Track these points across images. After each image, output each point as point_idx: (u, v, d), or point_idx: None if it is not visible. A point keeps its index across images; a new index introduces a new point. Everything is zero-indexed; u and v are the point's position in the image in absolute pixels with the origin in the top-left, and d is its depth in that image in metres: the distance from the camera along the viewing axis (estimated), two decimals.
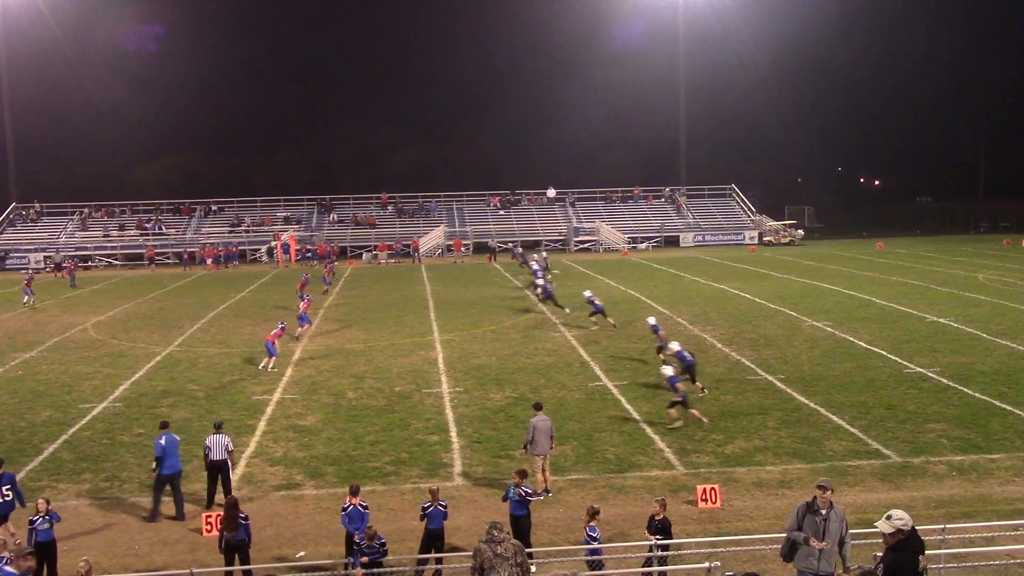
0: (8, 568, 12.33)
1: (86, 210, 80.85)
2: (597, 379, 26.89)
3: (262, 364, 29.53)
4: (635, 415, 22.90)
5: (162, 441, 17.61)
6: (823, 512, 11.82)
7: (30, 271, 54.58)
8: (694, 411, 21.95)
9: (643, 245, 74.41)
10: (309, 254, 68.97)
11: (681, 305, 40.51)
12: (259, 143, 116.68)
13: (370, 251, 71.08)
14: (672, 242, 76.06)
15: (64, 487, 18.67)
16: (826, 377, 26.37)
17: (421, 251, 69.66)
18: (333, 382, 27.25)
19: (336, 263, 61.97)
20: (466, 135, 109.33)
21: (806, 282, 48.00)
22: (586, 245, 74.34)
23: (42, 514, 14.58)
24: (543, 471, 17.83)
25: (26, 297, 45.83)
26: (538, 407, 18.63)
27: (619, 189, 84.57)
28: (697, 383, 24.63)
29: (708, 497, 16.88)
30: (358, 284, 53.63)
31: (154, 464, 17.60)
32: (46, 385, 27.81)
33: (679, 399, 21.84)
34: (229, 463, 18.10)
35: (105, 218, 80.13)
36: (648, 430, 21.60)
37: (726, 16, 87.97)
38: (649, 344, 31.74)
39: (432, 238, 73.53)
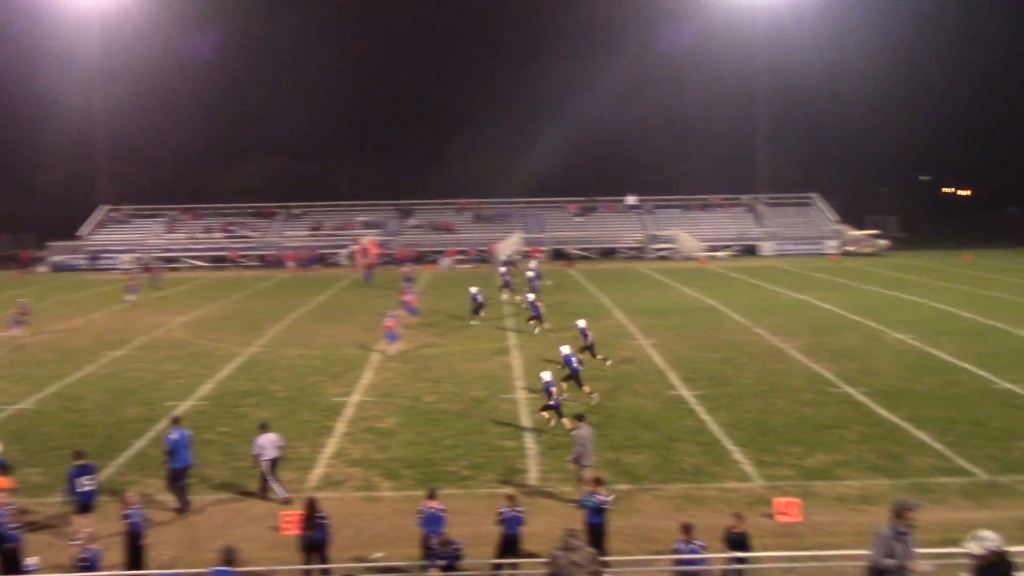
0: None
1: (174, 213, 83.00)
2: (674, 388, 26.66)
3: (386, 350, 31.87)
4: (713, 425, 22.65)
5: (173, 436, 18.19)
6: (907, 534, 11.45)
7: (134, 271, 56.57)
8: (565, 420, 21.98)
9: (721, 254, 73.57)
10: (387, 259, 69.74)
11: (760, 315, 39.96)
12: (340, 148, 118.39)
13: (450, 256, 71.54)
14: (750, 251, 75.06)
15: (150, 482, 19.16)
16: (910, 391, 25.77)
17: (498, 256, 69.83)
18: (410, 386, 27.49)
19: (414, 268, 62.53)
20: (546, 141, 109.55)
21: (889, 293, 46.95)
22: (663, 253, 73.79)
23: (135, 506, 14.98)
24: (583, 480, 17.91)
25: (130, 296, 47.94)
26: (580, 418, 18.72)
27: (697, 197, 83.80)
28: (585, 387, 25.14)
29: (787, 511, 16.62)
30: (435, 289, 53.99)
31: (165, 457, 18.22)
32: (134, 383, 28.59)
33: (551, 403, 22.24)
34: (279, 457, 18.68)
35: (191, 221, 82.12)
36: (726, 441, 21.34)
37: (807, 20, 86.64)
38: (730, 354, 31.42)
39: (509, 244, 73.71)
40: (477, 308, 40.28)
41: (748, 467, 19.58)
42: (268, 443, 18.43)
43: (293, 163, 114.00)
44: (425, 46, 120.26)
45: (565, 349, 26.32)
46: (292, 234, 78.65)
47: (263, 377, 29.05)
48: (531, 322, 36.88)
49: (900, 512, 11.45)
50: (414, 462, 20.23)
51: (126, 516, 14.83)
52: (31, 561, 14.31)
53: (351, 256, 71.52)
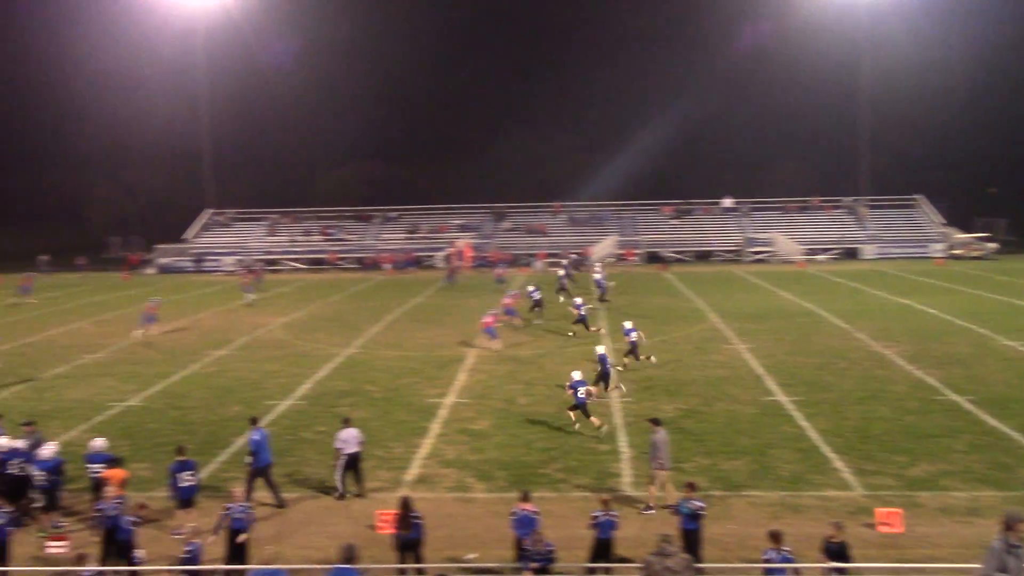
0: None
1: (274, 216, 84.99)
2: (771, 393, 26.18)
3: (489, 345, 33.47)
4: (811, 432, 22.16)
5: (256, 436, 18.63)
6: (1020, 547, 10.99)
7: (244, 272, 58.52)
8: (593, 418, 22.44)
9: (821, 257, 71.98)
10: (482, 261, 70.13)
11: (860, 319, 38.95)
12: (436, 152, 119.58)
13: (541, 259, 71.64)
14: (852, 254, 73.20)
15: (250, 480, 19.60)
16: (1021, 400, 24.79)
17: (591, 259, 69.59)
18: (504, 388, 27.58)
19: (506, 271, 62.82)
20: (640, 143, 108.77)
21: (999, 299, 45.27)
22: (761, 256, 72.55)
23: (239, 503, 15.34)
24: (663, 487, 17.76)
25: (248, 294, 49.84)
26: (657, 422, 18.53)
27: (796, 199, 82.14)
28: (610, 389, 26.14)
29: (889, 521, 16.15)
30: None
31: (249, 458, 18.62)
32: (236, 382, 29.35)
33: (577, 402, 22.55)
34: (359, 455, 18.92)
35: (291, 224, 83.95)
36: (825, 448, 20.86)
37: (911, 16, 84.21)
38: (829, 359, 30.76)
39: (603, 247, 73.44)
40: (535, 305, 41.10)
41: (848, 475, 19.10)
42: (349, 438, 18.75)
43: (390, 167, 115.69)
44: (521, 49, 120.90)
45: (600, 349, 27.39)
46: (389, 237, 79.75)
47: (360, 378, 29.51)
48: (576, 325, 36.91)
49: (1011, 524, 11.02)
50: (507, 464, 20.29)
51: (228, 510, 15.21)
52: (137, 554, 14.79)
53: (447, 259, 72.18)
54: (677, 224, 79.61)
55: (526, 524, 14.59)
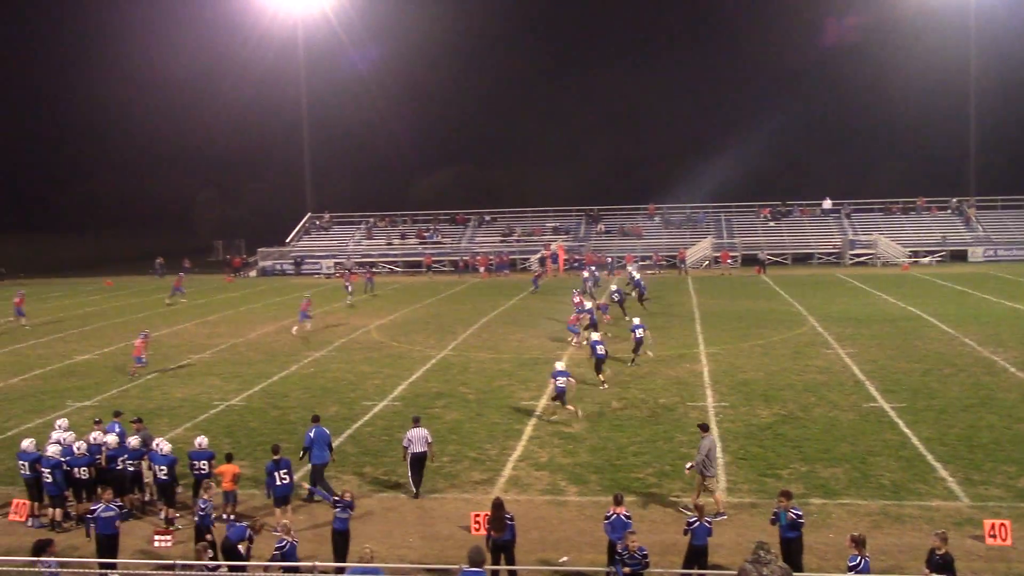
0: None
1: (371, 220, 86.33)
2: (873, 399, 25.51)
3: (574, 341, 34.83)
4: (915, 440, 21.52)
5: (311, 433, 18.99)
6: None
7: (347, 272, 60.21)
8: (570, 406, 24.14)
9: (926, 259, 69.85)
10: (576, 264, 70.01)
11: (969, 324, 37.67)
12: (531, 155, 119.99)
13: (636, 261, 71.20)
14: (959, 256, 70.78)
15: (348, 478, 19.96)
16: None
17: (688, 262, 68.94)
18: (596, 391, 27.48)
19: (599, 273, 62.60)
20: (736, 144, 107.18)
21: None
22: (863, 259, 70.75)
23: (346, 500, 15.62)
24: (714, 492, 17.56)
25: (349, 298, 51.19)
26: (704, 428, 18.45)
27: (899, 200, 79.83)
28: (600, 376, 28.16)
29: (997, 533, 15.57)
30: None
31: (301, 453, 19.10)
32: (334, 382, 29.91)
33: (557, 390, 24.08)
34: (429, 454, 19.02)
35: (388, 227, 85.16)
36: (929, 457, 20.23)
37: (1020, 12, 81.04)
38: (934, 364, 29.86)
39: (699, 249, 72.61)
40: (620, 301, 42.56)
41: (954, 485, 18.48)
42: (416, 437, 18.94)
43: (485, 171, 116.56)
44: (613, 51, 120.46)
45: (595, 336, 29.82)
46: (483, 240, 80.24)
47: (454, 380, 29.77)
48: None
49: None
50: (600, 468, 20.22)
51: (336, 505, 15.58)
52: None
53: (541, 261, 72.30)
54: (775, 226, 78.20)
55: (619, 528, 14.51)
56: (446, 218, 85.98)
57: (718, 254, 71.36)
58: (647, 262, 69.24)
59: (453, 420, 24.46)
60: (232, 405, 27.10)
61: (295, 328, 40.39)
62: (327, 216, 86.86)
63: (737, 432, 22.56)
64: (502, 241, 79.28)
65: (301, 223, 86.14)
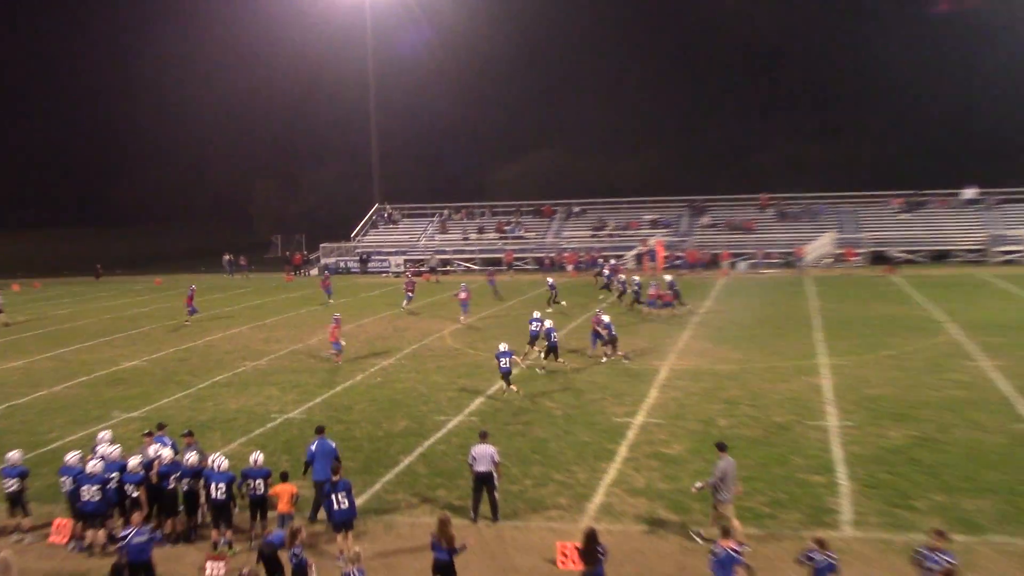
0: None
1: (445, 212, 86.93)
2: None
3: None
4: None
5: (312, 447, 19.18)
6: None
7: (409, 275, 59.61)
8: (513, 386, 28.92)
9: None
10: (678, 261, 69.50)
11: None
12: (624, 140, 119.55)
13: (744, 259, 70.37)
14: None
15: (417, 503, 20.05)
16: None
17: (806, 260, 67.83)
18: (702, 407, 27.20)
19: (707, 272, 62.15)
20: (860, 126, 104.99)
21: None
22: (1011, 256, 68.71)
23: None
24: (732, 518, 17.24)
25: (405, 301, 50.69)
26: (722, 447, 18.14)
27: None
28: (561, 359, 33.08)
29: None
30: (732, 297, 53.23)
31: (304, 469, 19.32)
32: (403, 394, 30.14)
33: (502, 369, 28.82)
34: (495, 476, 18.87)
35: (464, 220, 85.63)
36: None
37: None
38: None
39: (819, 245, 71.36)
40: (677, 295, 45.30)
41: None
42: (482, 455, 18.80)
43: (574, 157, 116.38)
44: (720, 24, 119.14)
45: (548, 323, 33.84)
46: (572, 234, 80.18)
47: (538, 392, 29.72)
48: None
49: None
50: (705, 495, 19.91)
51: (433, 547, 15.42)
52: None
53: (638, 259, 71.92)
54: (907, 219, 76.42)
55: (727, 564, 14.26)
56: (529, 210, 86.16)
57: (841, 251, 70.07)
58: (749, 259, 68.41)
59: (537, 438, 24.42)
60: (291, 418, 27.50)
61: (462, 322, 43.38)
62: (389, 209, 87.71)
63: (864, 456, 22.07)
64: (593, 236, 79.10)
65: (367, 216, 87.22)
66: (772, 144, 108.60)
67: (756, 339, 38.10)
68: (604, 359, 34.29)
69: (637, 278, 50.52)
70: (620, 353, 34.33)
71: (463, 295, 45.42)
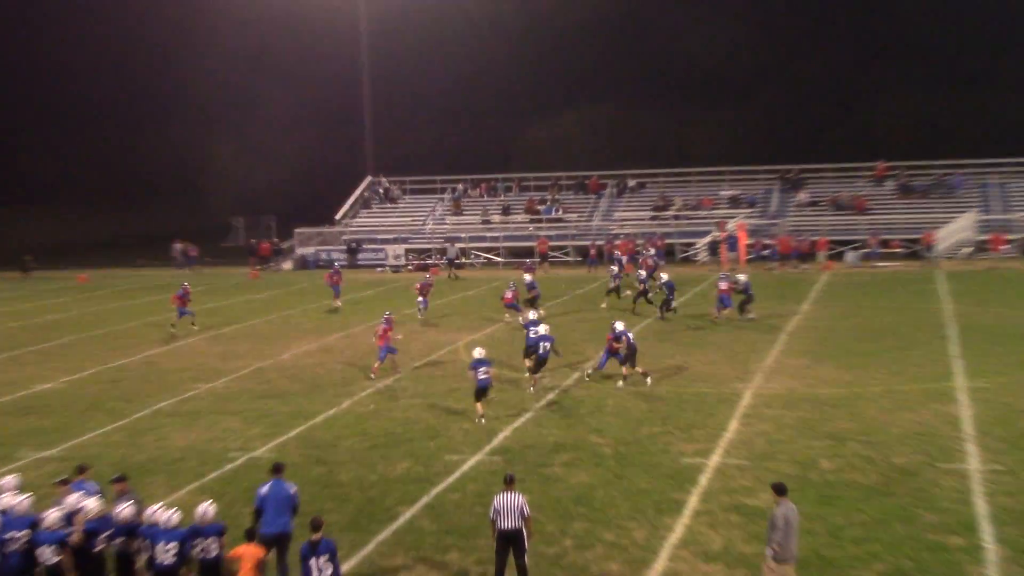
0: None
1: (460, 186, 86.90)
2: None
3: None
4: None
5: (263, 490, 18.96)
6: None
7: (428, 275, 58.03)
8: (479, 404, 29.91)
9: None
10: (766, 251, 69.16)
11: None
12: (695, 93, 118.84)
13: (854, 248, 70.00)
14: None
15: (422, 570, 19.98)
16: None
17: (938, 250, 67.40)
18: (798, 444, 27.03)
19: (806, 266, 61.85)
20: (1010, 73, 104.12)
21: None
22: None
23: None
24: None
25: (420, 308, 49.65)
26: (781, 490, 17.99)
27: None
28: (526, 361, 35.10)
29: None
30: (838, 297, 52.96)
31: (253, 518, 19.05)
32: (404, 426, 30.09)
33: (479, 383, 29.91)
34: (525, 534, 18.59)
35: (484, 197, 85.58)
36: None
37: None
38: None
39: (955, 230, 70.93)
40: (744, 304, 46.08)
41: None
42: (507, 507, 18.54)
43: (629, 114, 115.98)
44: None
45: (542, 328, 34.82)
46: (627, 215, 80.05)
47: (582, 423, 29.64)
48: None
49: None
50: (805, 560, 19.79)
51: None
52: None
53: (713, 247, 71.67)
54: None
55: None
56: (570, 183, 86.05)
57: (985, 237, 69.65)
58: (860, 249, 68.10)
59: (580, 485, 24.29)
60: (256, 458, 27.46)
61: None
62: (385, 183, 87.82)
63: (1017, 511, 21.86)
64: (654, 218, 78.94)
65: (357, 192, 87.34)
66: (891, 98, 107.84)
67: (870, 354, 37.96)
68: (620, 383, 34.26)
69: (643, 272, 52.24)
70: (639, 370, 34.39)
71: (509, 295, 47.18)
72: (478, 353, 30.38)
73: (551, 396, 32.93)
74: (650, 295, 49.29)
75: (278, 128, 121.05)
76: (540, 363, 34.12)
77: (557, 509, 22.59)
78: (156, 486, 24.94)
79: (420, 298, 49.66)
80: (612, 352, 34.50)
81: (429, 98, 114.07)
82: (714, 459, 26.02)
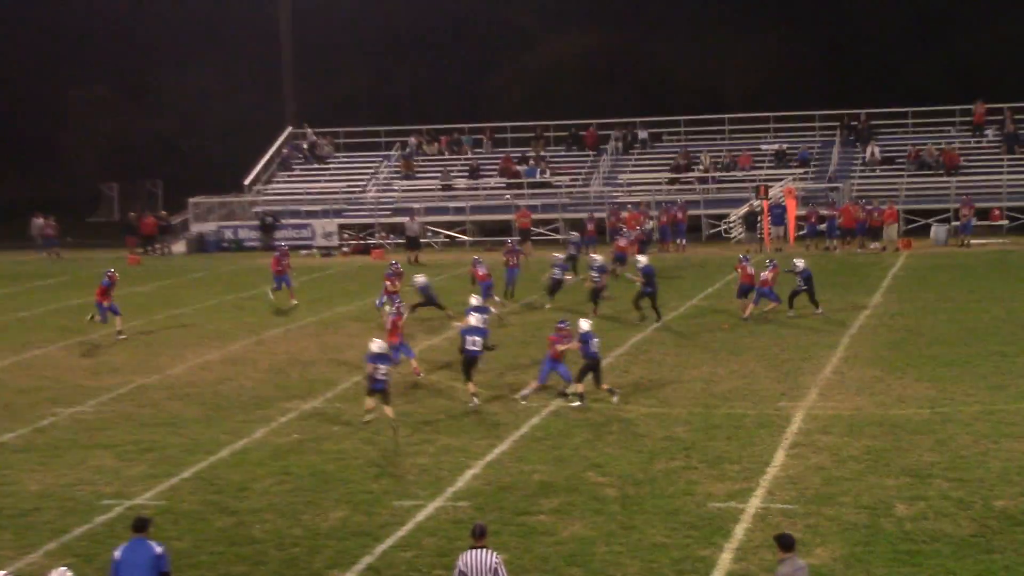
0: None
1: (412, 140, 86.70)
2: None
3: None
4: None
5: (117, 554, 18.67)
6: None
7: (394, 264, 56.26)
8: (388, 408, 31.94)
9: None
10: (823, 225, 69.12)
11: None
12: (726, 16, 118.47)
13: (945, 221, 70.15)
14: None
15: None
16: None
17: None
18: (866, 482, 27.14)
19: (874, 244, 62.10)
20: None
21: None
22: None
23: None
24: None
25: (384, 305, 48.76)
26: (787, 544, 18.21)
27: None
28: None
29: None
30: (921, 287, 53.15)
31: None
32: (339, 461, 30.11)
33: (376, 383, 31.84)
34: None
35: (445, 155, 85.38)
36: None
37: None
38: None
39: None
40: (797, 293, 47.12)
41: None
42: (476, 569, 18.59)
43: (635, 44, 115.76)
44: None
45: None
46: (636, 177, 79.98)
47: (577, 457, 29.68)
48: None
49: None
50: None
51: None
52: None
53: (751, 221, 71.69)
54: None
55: None
56: (560, 136, 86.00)
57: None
58: (953, 222, 68.30)
59: (575, 538, 24.33)
60: (139, 506, 27.40)
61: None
62: (312, 136, 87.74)
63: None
64: (672, 182, 78.93)
65: (273, 149, 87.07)
66: (991, 19, 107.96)
67: (964, 363, 38.20)
68: (577, 402, 34.69)
69: (599, 257, 52.87)
70: (604, 387, 34.93)
71: (482, 271, 47.50)
72: (376, 346, 32.16)
73: (535, 420, 33.01)
74: (605, 292, 49.51)
75: (165, 63, 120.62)
76: (469, 364, 35.01)
77: (544, 572, 22.62)
78: (2, 543, 24.93)
79: (391, 291, 48.91)
80: (555, 360, 34.94)
81: (370, 22, 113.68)
82: (753, 503, 26.11)
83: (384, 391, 31.33)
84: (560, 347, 34.44)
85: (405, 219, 74.61)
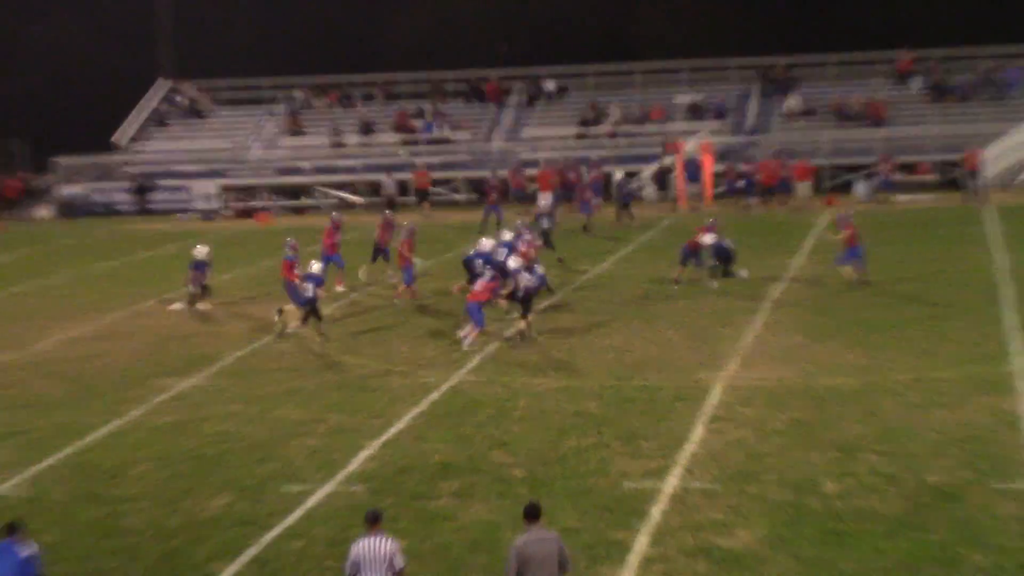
0: None
1: (297, 94, 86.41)
2: None
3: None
4: None
5: None
6: None
7: (335, 215, 55.16)
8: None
9: None
10: (741, 182, 69.39)
11: None
12: None
13: (867, 176, 70.59)
14: None
15: None
16: None
17: (984, 176, 68.13)
18: (791, 457, 27.25)
19: (795, 201, 62.38)
20: None
21: None
22: None
23: None
24: None
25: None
26: (532, 514, 18.60)
27: None
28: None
29: None
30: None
31: None
32: (218, 444, 29.96)
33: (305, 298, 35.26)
34: None
35: (335, 109, 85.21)
36: None
37: None
38: None
39: (1011, 147, 71.81)
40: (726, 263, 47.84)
41: None
42: (371, 558, 18.47)
43: None
44: None
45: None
46: (541, 133, 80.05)
47: (481, 434, 29.74)
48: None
49: None
50: None
51: None
52: None
53: (659, 178, 71.86)
54: None
55: None
56: (459, 88, 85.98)
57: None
58: (875, 176, 68.83)
59: (478, 523, 24.28)
60: (2, 498, 27.18)
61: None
62: (190, 91, 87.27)
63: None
64: (578, 136, 79.07)
65: (146, 103, 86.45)
66: None
67: (892, 328, 38.52)
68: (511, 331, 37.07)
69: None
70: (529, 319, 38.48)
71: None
72: (315, 267, 35.79)
73: (435, 396, 32.92)
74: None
75: (23, 9, 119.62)
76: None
77: (445, 560, 22.54)
78: None
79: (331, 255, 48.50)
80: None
81: None
82: (671, 482, 26.13)
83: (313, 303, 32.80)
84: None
85: (383, 178, 74.18)
